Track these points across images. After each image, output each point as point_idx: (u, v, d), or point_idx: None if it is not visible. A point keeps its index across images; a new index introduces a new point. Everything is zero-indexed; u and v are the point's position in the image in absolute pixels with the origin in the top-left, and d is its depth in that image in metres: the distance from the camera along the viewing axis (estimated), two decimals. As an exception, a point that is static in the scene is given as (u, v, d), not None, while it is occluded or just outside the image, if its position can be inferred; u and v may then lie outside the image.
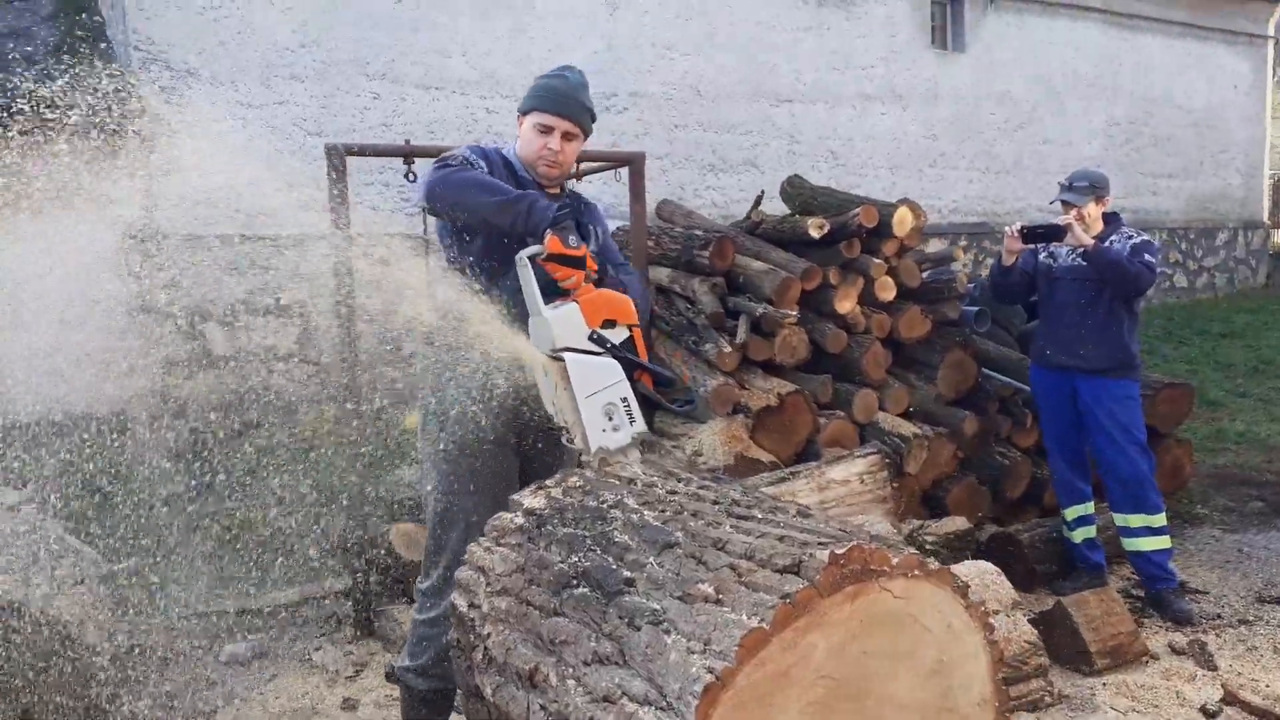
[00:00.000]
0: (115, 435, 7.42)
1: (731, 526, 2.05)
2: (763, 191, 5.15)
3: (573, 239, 2.55)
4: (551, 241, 2.52)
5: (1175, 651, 3.92)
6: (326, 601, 4.53)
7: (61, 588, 3.27)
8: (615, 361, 2.59)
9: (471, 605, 2.36)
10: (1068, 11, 12.54)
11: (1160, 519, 4.32)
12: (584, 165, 4.49)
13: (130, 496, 6.09)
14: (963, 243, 11.23)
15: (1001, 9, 11.99)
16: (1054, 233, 4.21)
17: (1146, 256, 4.19)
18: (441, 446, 2.85)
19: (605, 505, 2.30)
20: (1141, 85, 13.40)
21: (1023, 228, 4.29)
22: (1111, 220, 4.36)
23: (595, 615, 1.99)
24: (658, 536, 2.08)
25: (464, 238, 2.84)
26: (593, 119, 2.94)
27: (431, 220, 3.12)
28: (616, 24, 9.44)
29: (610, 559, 2.10)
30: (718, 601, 1.83)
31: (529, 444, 2.93)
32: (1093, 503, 4.55)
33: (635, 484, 2.40)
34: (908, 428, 4.48)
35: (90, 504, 5.52)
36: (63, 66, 7.37)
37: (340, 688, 3.74)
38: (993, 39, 11.99)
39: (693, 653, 1.75)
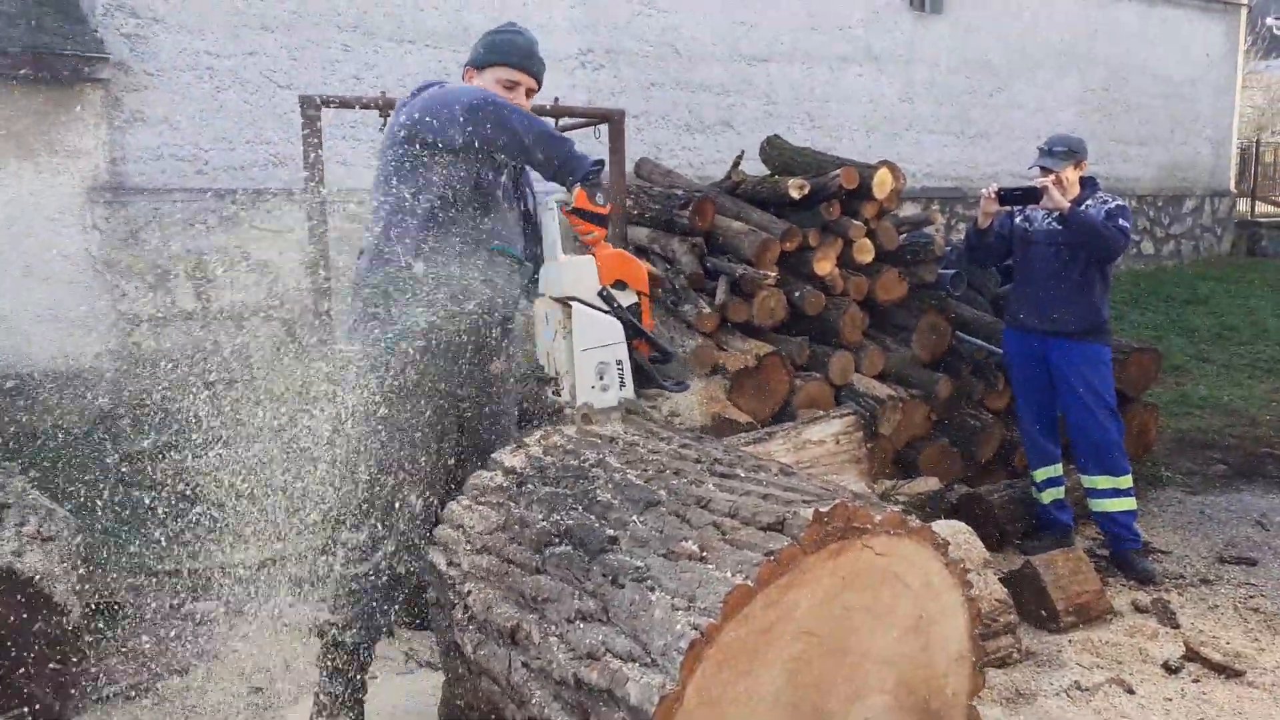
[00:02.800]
0: (84, 392, 7.31)
1: (715, 485, 2.05)
2: (742, 152, 5.12)
3: (600, 196, 2.58)
4: (579, 195, 2.55)
5: (1139, 610, 4.00)
6: (295, 559, 4.51)
7: (30, 544, 3.22)
8: (619, 322, 2.62)
9: (451, 563, 2.36)
10: (1044, -24, 12.50)
11: (1127, 481, 4.39)
12: (563, 121, 4.44)
13: (95, 453, 6.01)
14: (936, 207, 11.26)
15: (979, -29, 11.93)
16: (1031, 195, 4.22)
17: (1121, 221, 4.22)
18: (380, 395, 2.69)
19: (587, 464, 2.30)
20: (1115, 53, 13.42)
21: (1000, 190, 4.30)
22: (1088, 185, 4.38)
23: (578, 573, 1.99)
24: (641, 495, 2.09)
25: (430, 178, 2.70)
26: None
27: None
28: (592, -21, 9.29)
29: (593, 517, 2.10)
30: (702, 559, 1.84)
31: (469, 405, 2.84)
32: (1061, 465, 4.61)
33: (617, 443, 2.40)
34: (882, 390, 4.51)
35: (57, 460, 5.45)
36: (23, 13, 7.15)
37: (314, 645, 3.73)
38: (970, 2, 11.93)
39: (677, 609, 1.76)
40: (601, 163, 2.62)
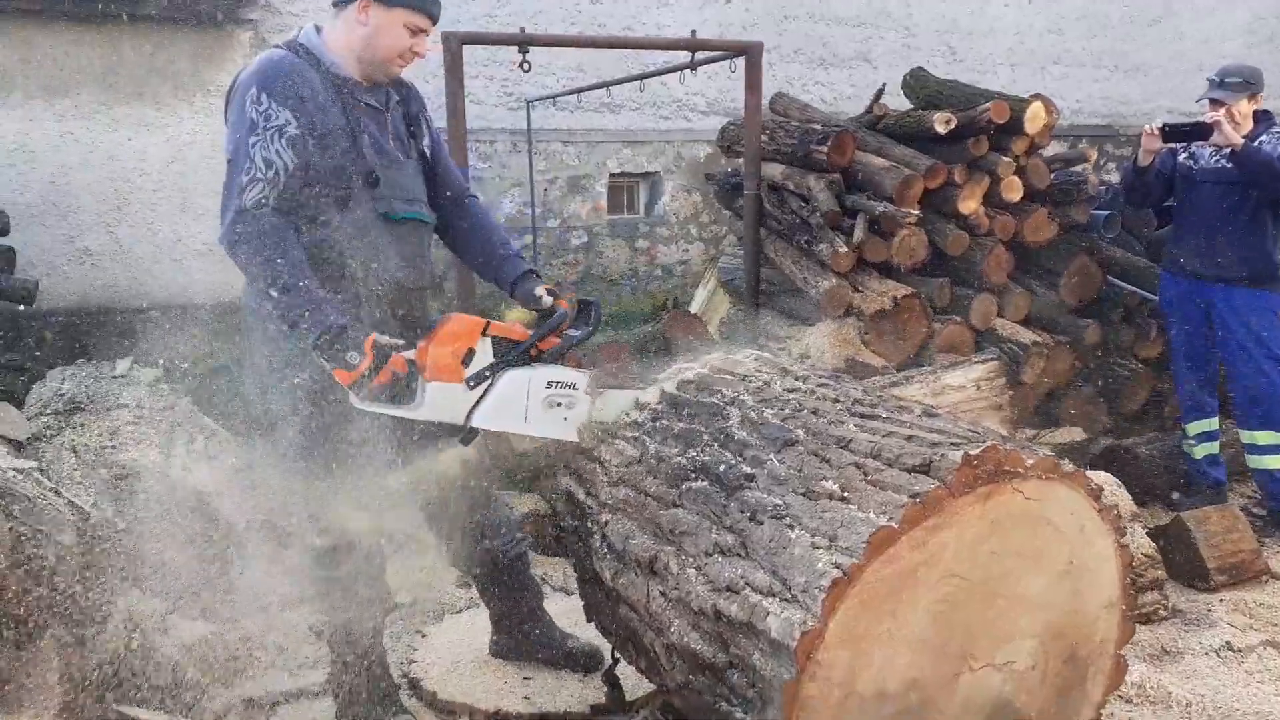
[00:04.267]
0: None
1: (855, 425, 2.02)
2: (884, 85, 4.94)
3: (351, 356, 2.26)
4: (338, 375, 2.28)
5: (1298, 573, 3.78)
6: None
7: (197, 461, 3.44)
8: (508, 373, 2.38)
9: (588, 494, 2.40)
10: (1216, -108, 11.52)
11: (1291, 437, 4.12)
12: (698, 55, 4.36)
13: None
14: (1085, 144, 10.66)
15: (1142, -110, 11.08)
16: (1199, 131, 3.93)
17: (1300, 158, 3.90)
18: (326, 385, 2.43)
19: (722, 402, 2.29)
20: (1295, -25, 12.31)
21: (1164, 125, 4.03)
22: (1262, 119, 4.05)
23: (715, 509, 2.00)
24: (778, 434, 2.07)
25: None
26: None
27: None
28: (723, -93, 9.05)
29: (729, 454, 2.10)
30: (843, 499, 1.82)
31: None
32: (1218, 419, 4.36)
33: (751, 381, 2.38)
34: (1027, 335, 4.34)
35: (217, 386, 5.77)
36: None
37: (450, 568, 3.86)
38: (1131, -77, 11.12)
39: (818, 548, 1.75)
40: (325, 329, 2.26)
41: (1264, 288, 4.05)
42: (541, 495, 4.02)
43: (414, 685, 2.91)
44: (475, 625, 3.28)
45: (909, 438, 1.89)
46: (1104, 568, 1.96)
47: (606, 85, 5.57)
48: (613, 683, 2.65)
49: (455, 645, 3.13)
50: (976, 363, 3.76)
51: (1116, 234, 4.86)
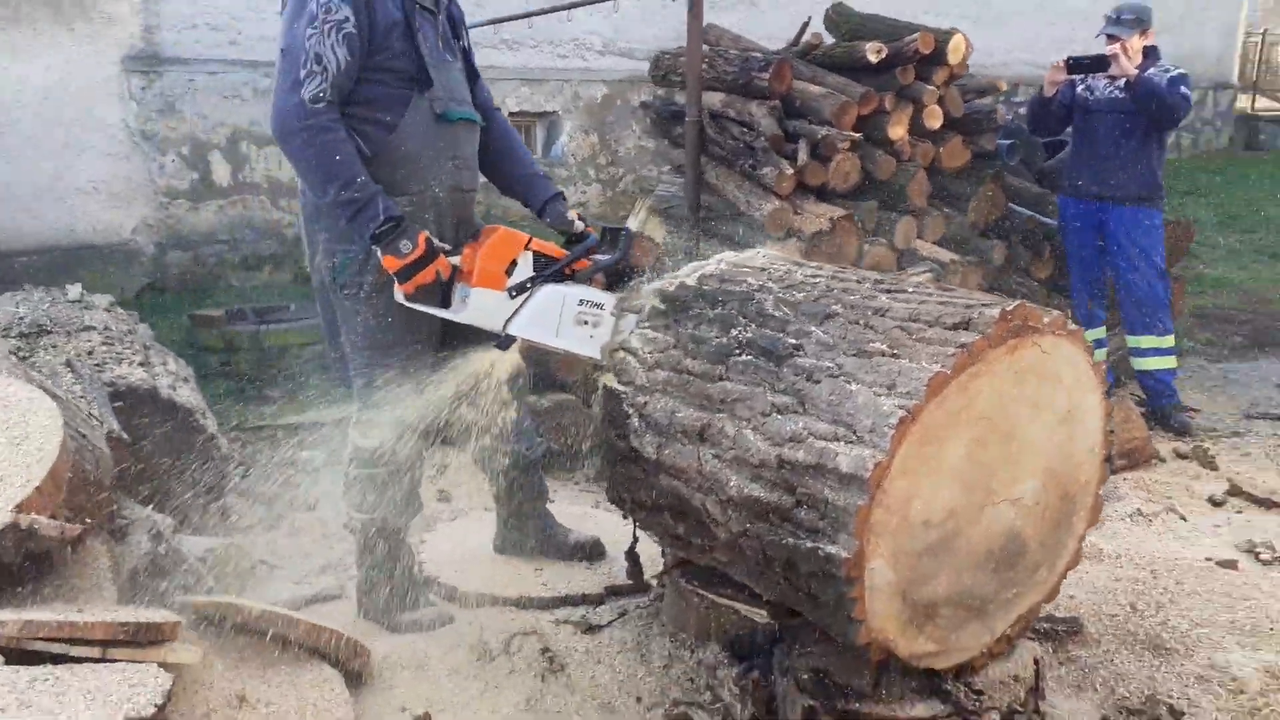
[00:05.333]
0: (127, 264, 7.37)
1: (887, 298, 2.27)
2: (809, 18, 5.21)
3: (404, 244, 2.39)
4: (387, 261, 2.41)
5: (1180, 456, 4.34)
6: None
7: (178, 383, 3.43)
8: (545, 286, 2.52)
9: (623, 381, 2.58)
10: None
11: (1169, 340, 4.69)
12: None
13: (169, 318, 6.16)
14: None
15: None
16: (1099, 64, 4.38)
17: (1183, 88, 4.40)
18: (368, 289, 2.57)
19: (750, 289, 2.51)
20: (1131, -63, 13.29)
21: (1069, 59, 4.46)
22: (1150, 53, 4.54)
23: (766, 376, 2.22)
24: (815, 309, 2.31)
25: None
26: None
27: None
28: None
29: (770, 330, 2.32)
30: (894, 355, 2.08)
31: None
32: (1105, 327, 4.90)
33: (771, 272, 2.60)
34: (945, 255, 4.73)
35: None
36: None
37: (430, 483, 3.98)
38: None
39: (879, 395, 2.00)
40: (388, 218, 2.40)
41: (1150, 205, 4.57)
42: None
43: (430, 582, 3.05)
44: (471, 529, 3.43)
45: (941, 303, 2.16)
46: (1092, 416, 2.30)
47: (531, 15, 5.63)
48: (634, 559, 2.87)
49: (460, 547, 3.28)
50: (914, 275, 4.12)
51: (1017, 162, 5.32)
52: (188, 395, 3.32)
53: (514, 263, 2.52)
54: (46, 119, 6.97)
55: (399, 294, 2.50)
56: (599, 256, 2.68)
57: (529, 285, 2.53)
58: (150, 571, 2.60)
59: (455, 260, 2.52)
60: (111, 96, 7.21)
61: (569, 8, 5.53)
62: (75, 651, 1.92)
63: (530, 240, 2.56)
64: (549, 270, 2.57)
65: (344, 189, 2.38)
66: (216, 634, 2.38)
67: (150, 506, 2.83)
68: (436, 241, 2.48)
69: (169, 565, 2.64)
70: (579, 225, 2.77)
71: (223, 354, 5.40)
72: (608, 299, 2.61)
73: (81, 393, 2.83)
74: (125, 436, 2.84)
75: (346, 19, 2.38)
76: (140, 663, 1.92)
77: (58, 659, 1.89)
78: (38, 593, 2.10)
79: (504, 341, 2.58)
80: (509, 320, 2.53)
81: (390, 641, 2.69)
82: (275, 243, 7.91)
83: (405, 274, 2.42)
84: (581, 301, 2.57)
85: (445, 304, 2.52)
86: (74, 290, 3.80)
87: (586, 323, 2.59)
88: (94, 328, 3.47)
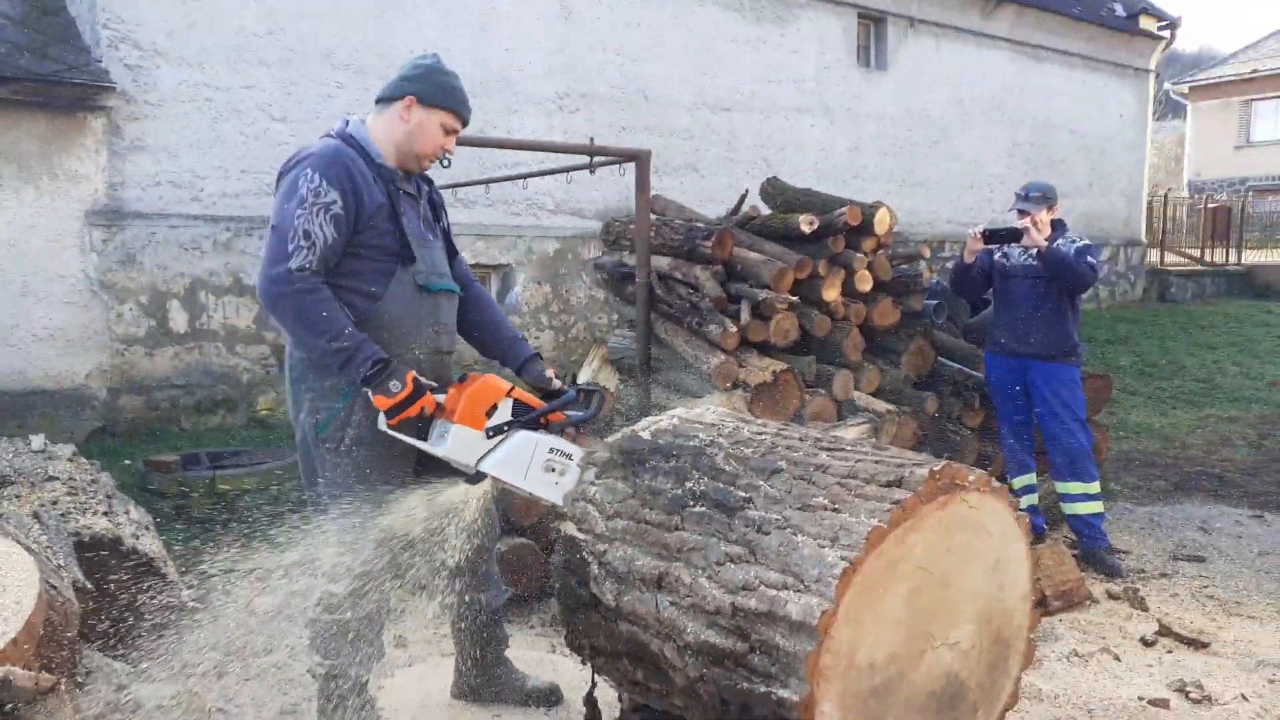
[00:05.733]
0: (79, 409, 7.37)
1: (827, 455, 2.48)
2: (746, 190, 5.63)
3: (394, 385, 2.59)
4: (377, 400, 2.60)
5: (1112, 597, 4.53)
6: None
7: (138, 531, 3.47)
8: (521, 432, 2.71)
9: (583, 530, 2.72)
10: (978, 39, 13.49)
11: (1095, 486, 4.96)
12: (596, 159, 4.87)
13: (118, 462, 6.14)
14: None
15: (921, 32, 12.83)
16: (1012, 235, 4.79)
17: (1089, 258, 4.82)
18: (348, 443, 2.76)
19: (702, 444, 2.70)
20: (1042, 110, 14.48)
21: (985, 230, 4.87)
22: (1058, 226, 4.98)
23: (719, 527, 2.39)
24: (763, 465, 2.50)
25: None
26: None
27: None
28: (570, 27, 9.81)
29: (722, 484, 2.50)
30: (835, 510, 2.26)
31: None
32: (1035, 473, 5.17)
33: (721, 428, 2.80)
34: (881, 405, 5.01)
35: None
36: (30, 42, 7.31)
37: (388, 629, 4.00)
38: (912, 60, 12.81)
39: (823, 547, 2.18)
40: (378, 361, 2.60)
41: (1068, 361, 4.92)
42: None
43: (388, 731, 3.07)
44: (428, 676, 3.47)
45: (876, 461, 2.37)
46: (1019, 565, 2.49)
47: (523, 177, 5.99)
48: (592, 705, 2.94)
49: (418, 692, 3.32)
50: (853, 425, 4.37)
51: (944, 320, 5.69)
52: (149, 543, 3.37)
53: (495, 406, 2.69)
54: (6, 269, 7.10)
55: (382, 422, 2.66)
56: (573, 412, 2.87)
57: (505, 429, 2.70)
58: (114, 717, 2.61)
59: (440, 398, 2.69)
60: (73, 248, 7.38)
61: (525, 177, 5.90)
62: (44, 808, 1.95)
63: (512, 389, 2.75)
64: (525, 418, 2.75)
65: (333, 340, 2.58)
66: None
67: (109, 653, 2.85)
68: (423, 380, 2.66)
69: (127, 714, 2.65)
70: (556, 383, 2.98)
71: (176, 498, 5.41)
72: (577, 451, 2.78)
73: (48, 542, 2.88)
74: (89, 586, 2.88)
75: (334, 201, 2.63)
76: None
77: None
78: (7, 747, 2.12)
79: (474, 478, 2.72)
80: (482, 458, 2.68)
81: (349, 794, 2.70)
82: (229, 387, 7.99)
83: (394, 411, 2.60)
84: (552, 450, 2.74)
85: (423, 437, 2.68)
86: (37, 440, 3.86)
87: (554, 470, 2.75)
88: (57, 478, 3.52)
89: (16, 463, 3.62)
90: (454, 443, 2.63)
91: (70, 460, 3.80)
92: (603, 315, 9.90)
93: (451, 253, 3.03)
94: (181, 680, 3.18)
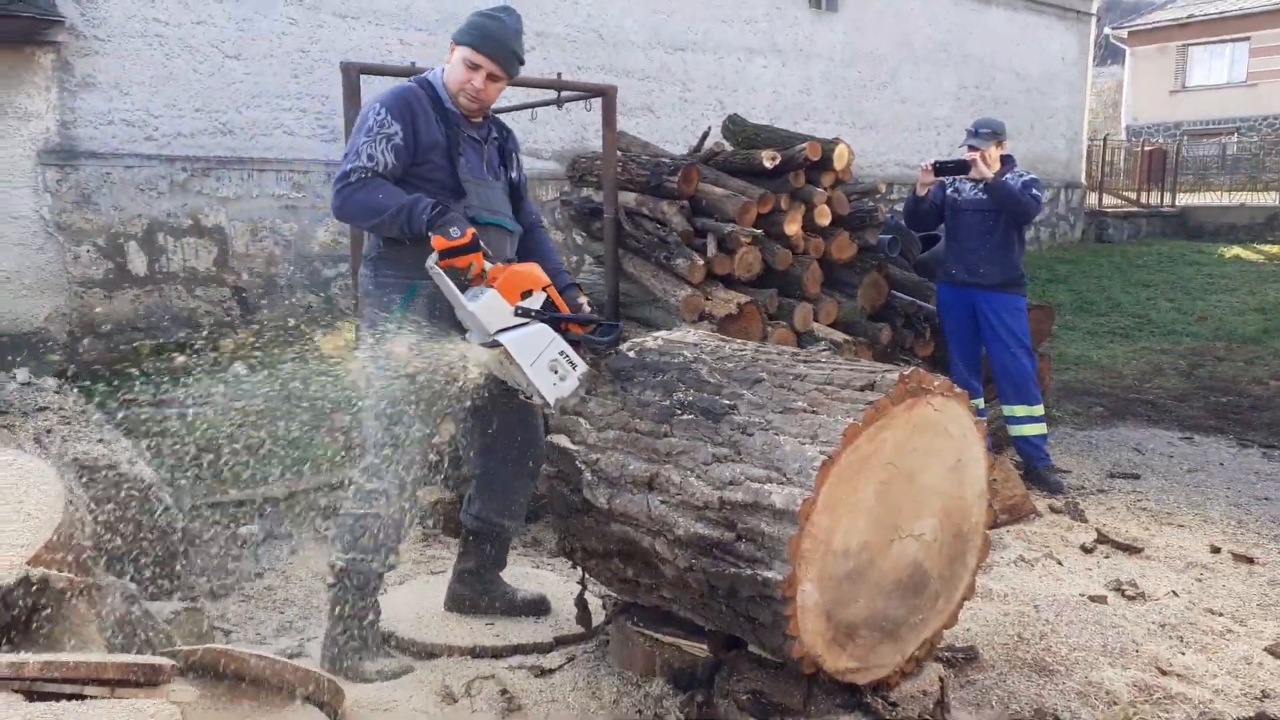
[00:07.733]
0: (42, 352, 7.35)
1: (805, 366, 2.68)
2: (709, 127, 5.76)
3: (454, 230, 2.78)
4: (436, 240, 2.78)
5: (1054, 511, 4.85)
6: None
7: (132, 458, 3.58)
8: (544, 325, 2.92)
9: (575, 441, 2.90)
10: (927, -20, 13.63)
11: (1039, 409, 5.27)
12: (564, 94, 4.96)
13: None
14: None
15: (870, -27, 12.93)
16: (961, 167, 5.02)
17: (1034, 191, 5.06)
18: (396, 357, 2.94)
19: (687, 360, 2.88)
20: (986, 52, 14.72)
21: (935, 162, 5.09)
22: (1007, 161, 5.21)
23: (706, 432, 2.59)
24: (745, 375, 2.70)
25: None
26: (520, 64, 3.10)
27: None
28: (525, -34, 9.74)
29: (707, 394, 2.69)
30: (814, 412, 2.47)
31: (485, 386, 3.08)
32: (983, 399, 5.46)
33: (702, 346, 2.99)
34: (839, 335, 5.24)
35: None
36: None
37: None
38: (862, 1, 12.92)
39: (804, 444, 2.38)
40: (439, 204, 2.84)
41: (1014, 291, 5.18)
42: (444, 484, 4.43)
43: (387, 638, 3.25)
44: (420, 591, 3.64)
45: (851, 369, 2.57)
46: (977, 466, 2.73)
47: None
48: (583, 605, 3.15)
49: (412, 606, 3.48)
50: (820, 352, 4.59)
51: (897, 254, 5.92)
52: (144, 469, 3.48)
53: (530, 293, 2.92)
54: (-42, 209, 6.98)
55: (431, 259, 2.83)
56: (592, 336, 3.06)
57: (532, 314, 2.91)
58: (125, 630, 2.75)
59: (489, 265, 2.89)
60: (25, 188, 7.27)
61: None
62: (88, 691, 2.09)
63: (550, 285, 2.97)
64: (551, 315, 2.96)
65: (398, 208, 2.83)
66: (200, 682, 2.55)
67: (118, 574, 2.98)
68: (481, 241, 2.86)
69: (141, 624, 2.80)
70: (587, 310, 3.18)
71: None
72: (582, 366, 2.99)
73: (51, 466, 2.98)
74: (94, 507, 3.00)
75: (396, 132, 2.92)
76: (152, 699, 2.11)
77: (71, 698, 2.06)
78: (49, 638, 2.26)
79: (489, 344, 2.91)
80: (502, 330, 2.88)
81: (356, 690, 2.88)
82: (191, 330, 7.97)
83: (448, 254, 2.79)
84: (562, 353, 2.95)
85: (462, 289, 2.87)
86: (22, 374, 3.92)
87: (556, 371, 2.96)
88: (48, 408, 3.60)
89: (4, 395, 3.68)
90: (486, 303, 2.83)
91: (57, 392, 3.87)
92: (563, 256, 9.99)
93: (518, 198, 3.25)
94: (180, 600, 3.34)
